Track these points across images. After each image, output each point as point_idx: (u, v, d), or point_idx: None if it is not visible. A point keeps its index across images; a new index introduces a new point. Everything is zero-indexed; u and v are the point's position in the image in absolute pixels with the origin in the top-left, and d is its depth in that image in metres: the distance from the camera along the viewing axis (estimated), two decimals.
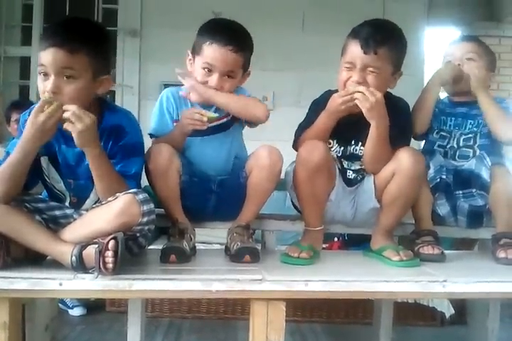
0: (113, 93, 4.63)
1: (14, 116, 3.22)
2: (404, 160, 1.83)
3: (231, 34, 1.92)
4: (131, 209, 1.54)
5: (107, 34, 1.77)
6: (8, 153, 1.64)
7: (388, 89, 2.01)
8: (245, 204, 1.92)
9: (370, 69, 1.88)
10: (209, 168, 1.99)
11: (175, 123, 1.99)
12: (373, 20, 1.97)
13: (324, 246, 3.70)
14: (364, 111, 1.82)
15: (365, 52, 1.86)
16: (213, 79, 1.91)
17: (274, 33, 4.42)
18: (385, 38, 1.87)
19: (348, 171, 2.04)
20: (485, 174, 1.98)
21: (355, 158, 2.02)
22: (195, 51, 1.95)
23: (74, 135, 1.55)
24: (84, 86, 1.63)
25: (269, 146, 1.93)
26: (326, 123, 1.95)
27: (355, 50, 1.89)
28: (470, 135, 2.11)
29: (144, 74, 4.60)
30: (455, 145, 2.13)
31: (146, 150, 1.86)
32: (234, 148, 2.03)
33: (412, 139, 2.12)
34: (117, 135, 1.72)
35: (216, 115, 1.92)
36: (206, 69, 1.91)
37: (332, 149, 2.02)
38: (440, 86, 2.15)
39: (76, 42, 1.59)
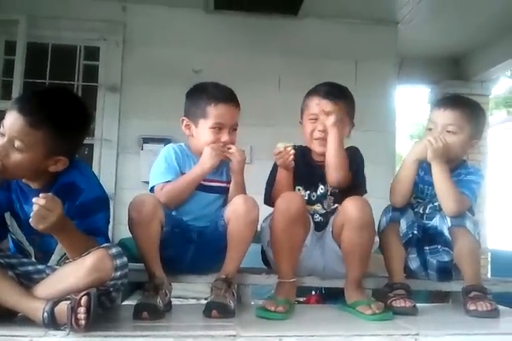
0: (91, 146, 4.66)
1: None
2: (349, 211, 1.94)
3: (228, 92, 2.14)
4: (104, 264, 1.55)
5: (83, 118, 1.72)
6: None
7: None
8: (227, 255, 1.95)
9: None
10: (194, 220, 2.07)
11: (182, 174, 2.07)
12: (327, 82, 2.23)
13: (302, 299, 3.70)
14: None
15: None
16: (225, 135, 2.08)
17: (251, 91, 4.52)
18: (341, 93, 2.19)
19: (315, 215, 2.17)
20: (446, 232, 2.03)
21: (319, 199, 2.17)
22: (197, 115, 2.09)
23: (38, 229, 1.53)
24: (31, 160, 1.61)
25: (245, 195, 2.03)
26: (282, 176, 2.13)
27: (316, 103, 2.13)
28: (436, 204, 2.12)
29: (123, 128, 4.64)
30: (421, 211, 2.17)
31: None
32: (221, 207, 2.11)
33: None
34: (72, 193, 1.69)
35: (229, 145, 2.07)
36: (217, 129, 2.06)
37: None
38: (417, 163, 2.07)
39: (40, 118, 1.58)
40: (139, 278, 1.94)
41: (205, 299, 1.94)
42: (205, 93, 2.10)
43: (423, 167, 2.13)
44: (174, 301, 1.98)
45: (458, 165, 2.15)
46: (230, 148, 2.06)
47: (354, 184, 2.11)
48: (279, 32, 4.75)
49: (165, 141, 4.37)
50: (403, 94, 5.59)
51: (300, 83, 4.65)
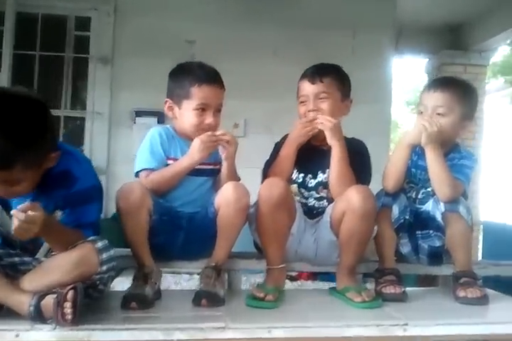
0: (83, 120, 4.61)
1: None
2: (353, 199, 1.90)
3: (213, 72, 2.07)
4: (90, 258, 1.53)
5: (43, 117, 1.56)
6: None
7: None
8: (217, 242, 1.93)
9: (321, 96, 2.11)
10: (182, 205, 2.03)
11: (169, 161, 2.03)
12: (317, 64, 2.21)
13: (293, 274, 3.74)
14: (327, 132, 2.04)
15: (312, 83, 2.12)
16: (209, 117, 2.02)
17: (246, 63, 4.46)
18: (327, 70, 2.16)
19: (310, 199, 2.14)
20: (439, 217, 2.01)
21: (315, 187, 2.13)
22: (181, 96, 2.02)
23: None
24: (32, 181, 1.58)
25: (235, 182, 1.99)
26: (289, 151, 2.11)
27: (305, 85, 2.15)
28: (429, 189, 2.08)
29: (115, 101, 4.57)
30: (413, 196, 2.14)
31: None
32: (210, 190, 2.09)
33: None
34: (66, 182, 1.65)
35: (221, 131, 2.00)
36: (201, 110, 2.01)
37: (293, 176, 2.14)
38: (411, 147, 2.05)
39: (10, 159, 1.46)
40: (127, 264, 1.93)
41: (198, 274, 1.94)
42: (189, 73, 2.03)
43: (416, 151, 2.10)
44: (167, 277, 1.94)
45: (451, 149, 2.12)
46: (224, 134, 1.98)
47: (357, 178, 2.04)
48: (275, 1, 4.63)
49: (158, 114, 4.32)
50: (401, 63, 5.47)
51: (296, 55, 4.62)
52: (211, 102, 2.02)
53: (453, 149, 2.13)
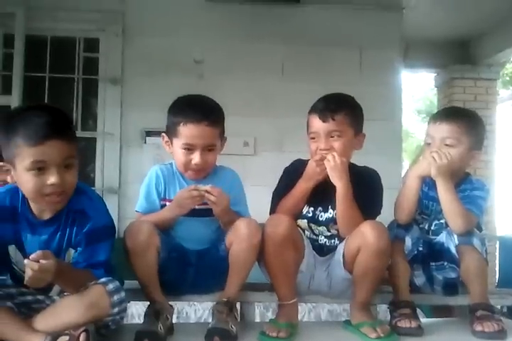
0: (94, 140, 4.62)
1: None
2: (367, 235, 1.86)
3: (205, 110, 1.97)
4: (101, 301, 1.53)
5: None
6: None
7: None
8: (228, 278, 1.91)
9: (333, 134, 2.03)
10: (190, 243, 2.01)
11: (163, 202, 2.00)
12: (328, 94, 2.12)
13: None
14: (329, 171, 1.97)
15: (324, 121, 2.02)
16: (196, 156, 1.95)
17: (254, 80, 4.47)
18: (338, 106, 2.04)
19: (320, 236, 2.10)
20: (453, 249, 1.99)
21: (325, 222, 2.08)
22: (171, 133, 1.99)
23: None
24: (74, 176, 1.66)
25: (248, 218, 1.97)
26: (303, 190, 2.04)
27: (315, 122, 2.05)
28: (442, 221, 2.07)
29: (125, 121, 4.57)
30: (426, 228, 2.12)
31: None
32: (218, 229, 2.04)
33: None
34: (80, 220, 1.68)
35: (209, 186, 1.89)
36: (186, 149, 1.95)
37: (303, 210, 2.08)
38: (421, 179, 2.02)
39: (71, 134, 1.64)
40: (138, 298, 1.93)
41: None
42: (178, 110, 1.97)
43: (426, 182, 2.08)
44: None
45: (462, 180, 2.10)
46: (209, 191, 1.85)
47: (367, 211, 1.98)
48: (282, 20, 4.62)
49: None
50: (410, 78, 5.44)
51: (304, 72, 4.63)
52: (197, 142, 1.93)
53: (464, 180, 2.11)
